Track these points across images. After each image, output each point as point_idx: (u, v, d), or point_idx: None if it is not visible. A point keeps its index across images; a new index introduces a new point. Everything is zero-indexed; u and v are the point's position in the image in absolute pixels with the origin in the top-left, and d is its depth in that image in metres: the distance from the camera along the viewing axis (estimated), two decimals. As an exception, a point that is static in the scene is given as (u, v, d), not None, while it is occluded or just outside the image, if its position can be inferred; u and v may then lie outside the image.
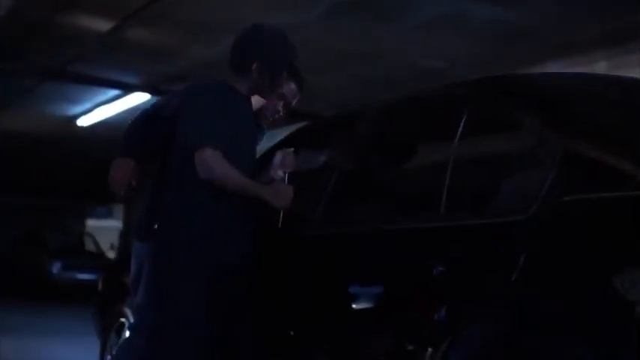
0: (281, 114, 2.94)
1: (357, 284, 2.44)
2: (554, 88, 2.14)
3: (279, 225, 2.74)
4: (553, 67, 6.47)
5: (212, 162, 2.45)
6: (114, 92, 9.03)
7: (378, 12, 6.06)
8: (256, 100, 2.78)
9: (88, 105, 9.79)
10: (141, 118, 2.92)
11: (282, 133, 3.17)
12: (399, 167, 2.61)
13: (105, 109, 9.58)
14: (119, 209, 18.63)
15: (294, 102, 2.94)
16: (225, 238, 2.55)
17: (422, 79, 6.83)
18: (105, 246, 15.86)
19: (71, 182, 16.56)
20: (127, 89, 8.62)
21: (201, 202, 2.53)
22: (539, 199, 1.87)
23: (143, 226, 2.81)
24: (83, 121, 10.44)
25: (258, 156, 2.80)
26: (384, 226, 2.33)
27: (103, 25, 6.65)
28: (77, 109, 10.06)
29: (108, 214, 20.74)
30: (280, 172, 2.64)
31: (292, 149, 2.68)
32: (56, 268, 13.13)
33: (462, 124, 2.16)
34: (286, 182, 2.62)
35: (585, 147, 1.90)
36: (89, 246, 15.48)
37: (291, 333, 2.60)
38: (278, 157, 2.68)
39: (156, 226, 2.64)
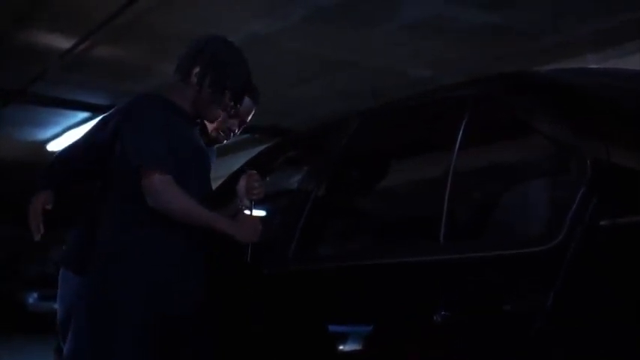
0: (237, 132, 2.55)
1: (339, 335, 2.01)
2: (579, 85, 1.73)
3: (247, 260, 2.31)
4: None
5: (161, 188, 2.06)
6: (83, 114, 8.66)
7: (359, 17, 5.76)
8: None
9: (57, 129, 9.43)
10: (71, 146, 2.58)
11: (247, 155, 2.77)
12: (386, 187, 2.20)
13: (75, 132, 9.15)
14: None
15: (249, 118, 2.56)
16: (176, 283, 2.14)
17: (408, 88, 6.51)
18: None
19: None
20: (95, 111, 8.21)
21: (147, 239, 2.12)
22: (567, 224, 1.46)
23: (76, 257, 2.39)
24: (53, 146, 10.01)
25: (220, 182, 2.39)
26: (369, 260, 1.91)
27: (63, 42, 6.27)
28: (46, 133, 9.71)
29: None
30: (246, 201, 2.23)
31: (255, 171, 2.26)
32: (32, 298, 12.88)
33: (462, 133, 1.76)
34: (252, 211, 2.20)
35: (624, 157, 1.49)
36: (68, 274, 15.02)
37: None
38: (242, 182, 2.27)
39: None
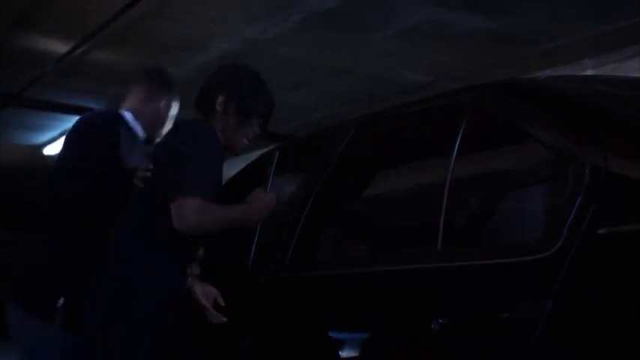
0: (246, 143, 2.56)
1: (335, 342, 1.99)
2: (577, 93, 1.73)
3: (250, 266, 2.31)
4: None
5: (203, 212, 2.02)
6: (80, 119, 8.61)
7: (356, 23, 5.75)
8: None
9: (53, 133, 9.41)
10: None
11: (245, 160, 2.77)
12: (383, 194, 2.19)
13: (72, 136, 9.15)
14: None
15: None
16: (182, 304, 2.15)
17: (405, 94, 6.53)
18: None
19: (41, 214, 16.02)
20: (92, 115, 8.21)
21: (160, 265, 2.10)
22: (565, 232, 1.46)
23: (43, 299, 2.27)
24: (50, 150, 9.99)
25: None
26: (366, 268, 1.90)
27: (60, 46, 6.26)
28: (42, 137, 9.69)
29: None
30: None
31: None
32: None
33: (460, 140, 1.76)
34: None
35: (622, 164, 1.49)
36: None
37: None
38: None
39: (61, 302, 2.20)
